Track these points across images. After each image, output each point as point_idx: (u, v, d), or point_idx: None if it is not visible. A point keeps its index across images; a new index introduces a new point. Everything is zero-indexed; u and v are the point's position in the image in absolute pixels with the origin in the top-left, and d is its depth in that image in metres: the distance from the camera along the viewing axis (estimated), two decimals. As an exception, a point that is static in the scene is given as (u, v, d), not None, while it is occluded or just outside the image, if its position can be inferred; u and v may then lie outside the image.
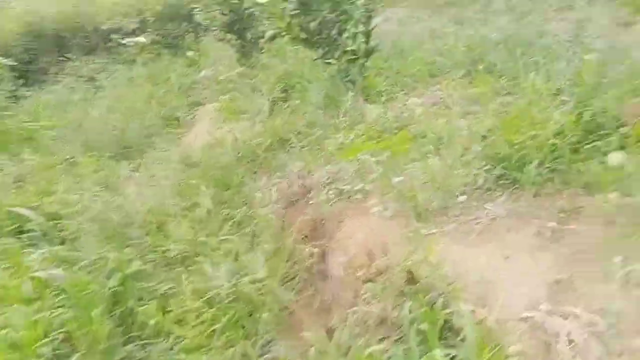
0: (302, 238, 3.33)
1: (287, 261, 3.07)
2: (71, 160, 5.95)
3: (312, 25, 5.18)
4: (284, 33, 5.01)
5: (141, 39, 11.13)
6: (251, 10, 7.25)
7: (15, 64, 8.96)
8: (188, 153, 5.73)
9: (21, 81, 10.18)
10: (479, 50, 5.70)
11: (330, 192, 3.51)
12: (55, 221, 4.31)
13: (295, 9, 5.04)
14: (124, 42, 11.38)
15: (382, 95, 5.60)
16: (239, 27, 8.11)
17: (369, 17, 5.28)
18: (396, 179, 3.03)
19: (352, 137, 4.12)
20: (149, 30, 11.52)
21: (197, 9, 8.39)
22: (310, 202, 3.67)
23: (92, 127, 7.10)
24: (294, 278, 3.03)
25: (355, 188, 3.39)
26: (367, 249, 2.62)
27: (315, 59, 5.74)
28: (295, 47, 6.48)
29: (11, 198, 4.47)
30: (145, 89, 8.66)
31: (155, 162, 5.80)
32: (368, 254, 2.60)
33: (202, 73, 9.11)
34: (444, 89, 5.12)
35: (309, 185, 3.96)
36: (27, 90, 9.84)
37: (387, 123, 4.50)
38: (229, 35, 8.37)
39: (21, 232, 4.17)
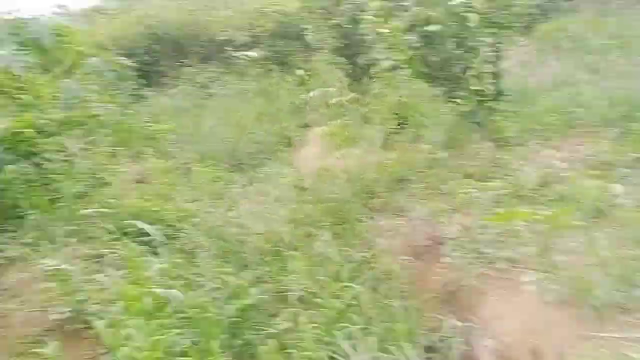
0: (436, 302, 3.05)
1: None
2: (187, 166, 6.08)
3: (435, 60, 4.94)
4: (403, 65, 4.79)
5: (253, 53, 11.44)
6: (367, 37, 7.13)
7: (137, 65, 9.41)
8: (299, 176, 5.65)
9: (142, 81, 10.79)
10: (627, 107, 5.17)
11: (468, 253, 3.20)
12: (173, 229, 4.34)
13: (417, 42, 4.82)
14: (236, 54, 11.78)
15: (510, 142, 5.23)
16: (350, 52, 8.02)
17: (498, 57, 4.95)
18: (559, 258, 2.67)
19: (493, 194, 3.78)
20: (261, 45, 11.82)
21: (309, 30, 8.40)
22: (443, 259, 3.38)
23: (206, 136, 7.27)
24: (432, 350, 2.72)
25: (500, 254, 3.06)
26: (530, 343, 2.28)
27: (437, 96, 5.47)
28: (414, 80, 6.30)
29: (133, 201, 4.56)
30: (256, 103, 8.81)
31: (266, 180, 5.77)
32: (532, 352, 2.26)
33: (311, 94, 9.12)
34: (589, 145, 4.66)
35: (437, 236, 3.69)
36: (148, 91, 10.40)
37: (525, 177, 4.14)
38: (339, 59, 8.31)
39: (142, 235, 4.22)
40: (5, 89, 5.14)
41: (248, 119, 7.84)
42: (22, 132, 4.71)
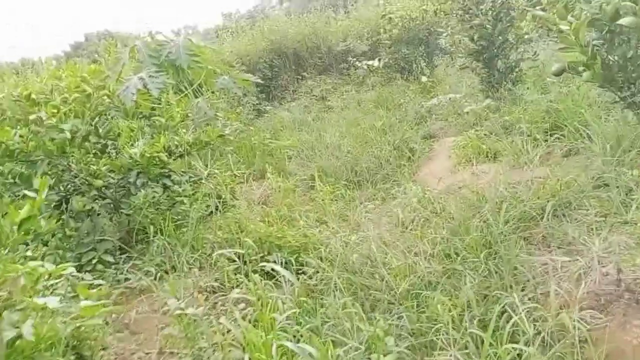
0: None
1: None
2: (309, 184, 5.79)
3: (614, 60, 3.98)
4: (581, 68, 3.92)
5: (374, 62, 11.02)
6: (524, 36, 6.29)
7: (261, 80, 9.47)
8: (429, 196, 5.00)
9: (263, 96, 10.93)
10: None
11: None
12: (297, 257, 4.00)
13: (599, 39, 3.93)
14: (356, 64, 11.44)
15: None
16: (488, 55, 7.21)
17: None
18: None
19: None
20: (382, 53, 11.37)
21: (444, 34, 7.74)
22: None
23: (325, 150, 6.95)
24: None
25: None
26: None
27: (613, 101, 4.49)
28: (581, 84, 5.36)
29: (256, 225, 4.30)
30: (376, 114, 8.33)
31: (391, 199, 5.24)
32: None
33: (435, 101, 8.43)
34: None
35: (628, 283, 2.85)
36: (268, 105, 10.48)
37: None
38: (474, 64, 7.56)
39: (265, 261, 3.93)
40: (142, 111, 5.22)
41: (368, 131, 7.38)
42: (156, 156, 4.71)
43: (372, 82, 10.75)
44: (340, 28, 13.51)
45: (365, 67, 10.72)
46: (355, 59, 11.33)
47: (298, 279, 3.68)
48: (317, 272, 3.76)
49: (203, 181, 4.94)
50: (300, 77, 11.99)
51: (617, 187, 3.90)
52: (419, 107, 8.38)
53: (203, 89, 7.08)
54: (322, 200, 5.23)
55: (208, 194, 4.92)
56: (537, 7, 4.10)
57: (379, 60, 10.68)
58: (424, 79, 9.54)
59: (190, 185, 5.04)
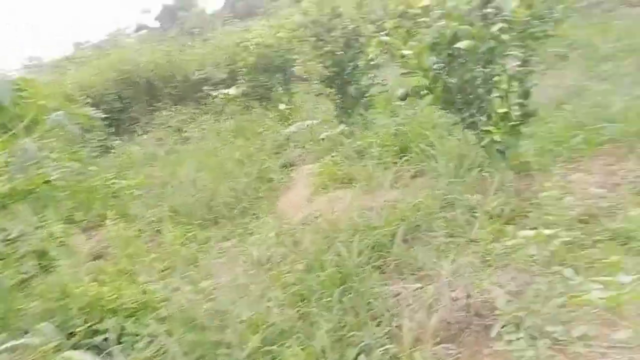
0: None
1: None
2: (155, 228, 5.20)
3: (453, 82, 4.14)
4: (424, 91, 3.99)
5: (232, 90, 10.71)
6: (371, 62, 6.42)
7: (105, 115, 8.59)
8: (285, 229, 4.74)
9: (112, 130, 9.99)
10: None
11: (529, 331, 2.33)
12: (134, 321, 3.43)
13: (440, 63, 4.04)
14: (213, 93, 11.04)
15: (530, 169, 4.43)
16: (340, 81, 7.30)
17: (529, 72, 4.16)
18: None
19: (532, 239, 2.93)
20: (240, 81, 11.11)
21: (298, 61, 7.71)
22: (493, 343, 2.50)
23: (179, 187, 6.41)
24: None
25: (576, 334, 2.20)
26: None
27: (455, 123, 4.66)
28: (426, 107, 5.54)
29: (86, 288, 3.65)
30: (235, 144, 8.00)
31: (246, 237, 4.90)
32: None
33: (292, 128, 8.34)
34: (624, 165, 3.87)
35: (477, 307, 2.82)
36: (117, 139, 9.58)
37: (561, 210, 3.29)
38: (328, 90, 7.61)
39: (95, 333, 3.32)
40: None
41: (226, 163, 7.00)
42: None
43: (231, 111, 10.41)
44: (197, 56, 13.05)
45: (223, 95, 10.35)
46: (212, 88, 10.91)
47: (133, 348, 3.15)
48: (155, 338, 3.23)
49: (20, 240, 4.12)
50: (154, 108, 11.25)
51: (461, 206, 3.99)
52: (277, 135, 8.21)
53: (35, 127, 6.10)
54: (172, 245, 4.71)
55: (27, 253, 4.11)
56: (382, 33, 4.12)
57: (237, 88, 10.39)
58: (282, 106, 9.43)
59: (7, 244, 4.19)
